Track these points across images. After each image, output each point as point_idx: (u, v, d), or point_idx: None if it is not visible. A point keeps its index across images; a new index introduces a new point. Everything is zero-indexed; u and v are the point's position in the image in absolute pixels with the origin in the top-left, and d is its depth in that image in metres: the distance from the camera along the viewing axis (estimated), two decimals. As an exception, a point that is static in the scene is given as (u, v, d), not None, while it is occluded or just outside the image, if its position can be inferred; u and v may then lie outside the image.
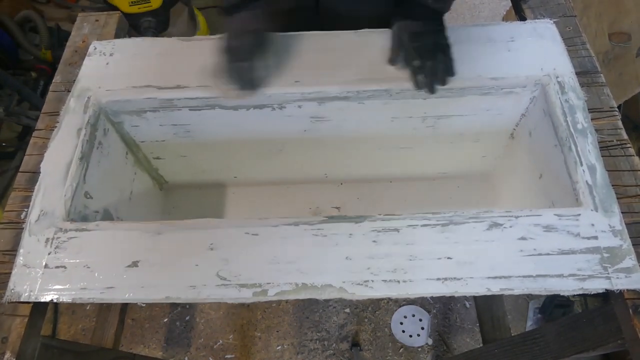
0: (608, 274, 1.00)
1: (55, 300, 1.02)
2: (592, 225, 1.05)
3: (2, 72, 2.59)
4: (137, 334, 2.34)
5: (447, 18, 1.21)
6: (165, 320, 2.38)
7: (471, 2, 3.26)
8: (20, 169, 1.24)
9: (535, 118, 1.32)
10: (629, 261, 1.01)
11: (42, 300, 1.03)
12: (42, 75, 2.91)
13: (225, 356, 2.28)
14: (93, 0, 3.14)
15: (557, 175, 1.20)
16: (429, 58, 1.16)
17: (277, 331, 2.32)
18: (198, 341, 2.33)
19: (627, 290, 0.99)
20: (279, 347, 2.28)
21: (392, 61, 1.25)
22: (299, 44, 1.34)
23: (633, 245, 1.04)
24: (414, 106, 1.33)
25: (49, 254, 1.07)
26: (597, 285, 0.99)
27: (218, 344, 2.31)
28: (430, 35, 1.18)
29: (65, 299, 1.02)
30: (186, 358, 2.29)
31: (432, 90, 1.17)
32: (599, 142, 1.17)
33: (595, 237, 1.03)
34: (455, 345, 2.28)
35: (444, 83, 1.16)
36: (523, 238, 1.04)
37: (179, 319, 2.38)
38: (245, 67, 1.17)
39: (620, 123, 1.22)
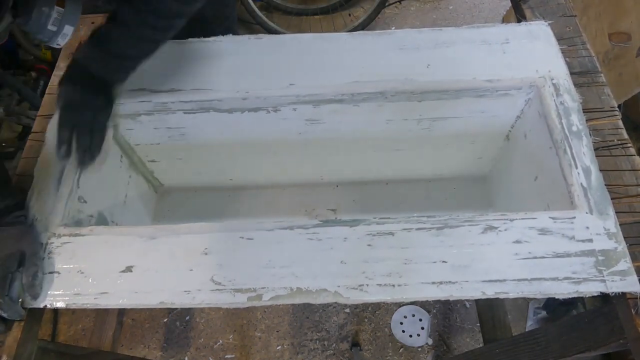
0: (603, 277, 0.99)
1: (49, 306, 1.03)
2: (587, 228, 1.04)
3: (2, 72, 2.59)
4: (137, 334, 2.34)
5: (448, 18, 1.20)
6: (165, 320, 2.37)
7: (471, 2, 3.26)
8: (17, 172, 1.24)
9: (531, 120, 1.32)
10: (624, 264, 1.01)
11: (36, 306, 1.03)
12: (42, 75, 2.90)
13: (225, 356, 2.28)
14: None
15: (552, 177, 1.20)
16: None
17: (277, 331, 2.32)
18: (198, 341, 2.32)
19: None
20: (279, 347, 2.28)
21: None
22: (293, 46, 1.34)
23: (634, 245, 1.04)
24: (409, 108, 1.33)
25: (42, 259, 1.07)
26: (592, 289, 0.99)
27: (218, 344, 2.31)
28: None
29: (59, 304, 1.03)
30: (186, 358, 2.28)
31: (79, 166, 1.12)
32: (599, 142, 1.17)
33: (590, 240, 1.03)
34: (455, 345, 2.27)
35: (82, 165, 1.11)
36: (518, 241, 1.04)
37: (178, 319, 2.38)
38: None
39: (620, 123, 1.22)
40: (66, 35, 1.08)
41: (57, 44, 1.09)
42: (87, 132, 1.09)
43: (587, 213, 1.06)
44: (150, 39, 1.11)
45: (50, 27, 1.03)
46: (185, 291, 1.02)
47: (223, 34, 1.37)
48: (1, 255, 1.03)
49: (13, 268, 1.02)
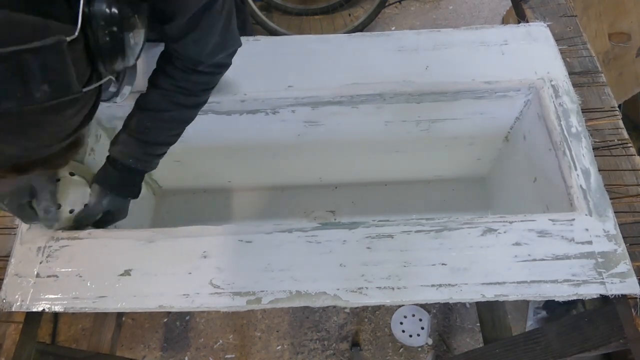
0: (603, 279, 0.99)
1: (47, 310, 1.02)
2: (587, 230, 1.04)
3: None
4: (137, 333, 2.34)
5: (448, 18, 1.20)
6: (165, 320, 2.37)
7: (471, 2, 3.25)
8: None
9: (530, 122, 1.31)
10: (624, 266, 1.00)
11: (34, 309, 1.03)
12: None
13: (225, 356, 2.28)
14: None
15: (551, 179, 1.20)
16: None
17: (277, 331, 2.32)
18: (198, 341, 2.32)
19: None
20: (279, 347, 2.28)
21: None
22: (291, 47, 1.33)
23: (634, 244, 1.04)
24: (407, 110, 1.33)
25: (40, 262, 1.07)
26: (591, 291, 0.99)
27: (218, 344, 2.31)
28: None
29: (57, 308, 1.02)
30: (186, 358, 2.28)
31: None
32: (599, 142, 1.16)
33: (590, 242, 1.03)
34: (455, 345, 2.27)
35: None
36: (517, 243, 1.03)
37: (179, 318, 2.38)
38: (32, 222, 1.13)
39: (621, 122, 1.22)
40: (124, 94, 1.11)
41: (115, 102, 1.13)
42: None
43: (586, 215, 1.06)
44: (186, 118, 1.17)
45: (111, 89, 1.06)
46: (184, 295, 1.02)
47: (240, 29, 1.37)
48: (12, 188, 1.06)
49: (25, 199, 1.07)
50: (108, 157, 1.14)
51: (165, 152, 1.18)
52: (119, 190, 1.13)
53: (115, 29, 0.81)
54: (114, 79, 0.93)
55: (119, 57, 0.84)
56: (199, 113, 1.29)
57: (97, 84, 0.80)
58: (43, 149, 0.74)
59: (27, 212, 1.07)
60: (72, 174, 1.18)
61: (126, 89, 1.10)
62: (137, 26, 0.86)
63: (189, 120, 1.18)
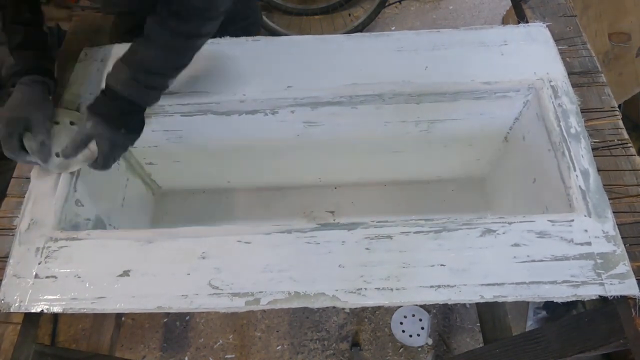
0: (602, 280, 0.99)
1: (45, 311, 1.02)
2: (586, 231, 1.04)
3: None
4: (137, 333, 2.34)
5: (448, 18, 1.20)
6: (165, 320, 2.38)
7: (471, 2, 3.25)
8: (14, 175, 1.23)
9: (529, 122, 1.31)
10: (623, 267, 1.00)
11: (33, 310, 1.03)
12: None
13: (225, 356, 2.28)
14: (93, 0, 3.13)
15: (550, 180, 1.19)
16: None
17: (277, 331, 2.32)
18: (198, 341, 2.32)
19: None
20: (279, 347, 2.28)
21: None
22: (291, 48, 1.33)
23: (634, 244, 1.04)
24: (407, 111, 1.32)
25: (39, 263, 1.07)
26: (590, 292, 0.98)
27: (218, 344, 2.31)
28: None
29: (56, 309, 1.02)
30: (186, 358, 2.29)
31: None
32: (599, 142, 1.17)
33: (589, 243, 1.03)
34: (455, 345, 2.27)
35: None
36: (516, 244, 1.03)
37: (178, 318, 2.38)
38: (16, 157, 1.12)
39: (621, 123, 1.22)
40: None
41: None
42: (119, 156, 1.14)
43: (585, 216, 1.06)
44: (178, 47, 1.11)
45: None
46: (183, 295, 1.01)
47: (250, 28, 1.37)
48: (6, 115, 1.08)
49: (18, 130, 1.08)
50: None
51: (158, 88, 1.13)
52: (106, 116, 1.08)
53: None
54: None
55: None
56: (198, 113, 1.29)
57: None
58: None
59: (14, 142, 1.08)
60: (72, 123, 1.20)
61: None
62: None
63: (182, 52, 1.12)
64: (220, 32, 1.21)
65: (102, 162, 1.11)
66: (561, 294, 0.98)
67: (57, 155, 1.14)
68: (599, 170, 1.12)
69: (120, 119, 1.09)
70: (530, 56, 1.29)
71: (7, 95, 1.13)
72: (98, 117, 1.06)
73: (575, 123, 1.18)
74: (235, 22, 1.39)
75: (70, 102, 1.28)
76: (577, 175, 1.11)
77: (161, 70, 1.10)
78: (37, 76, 1.16)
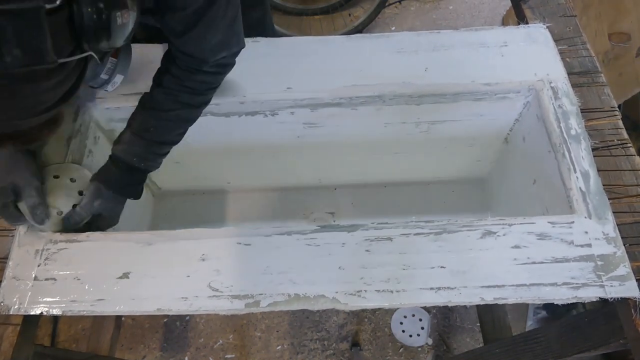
0: (602, 282, 0.99)
1: (45, 313, 1.02)
2: (586, 232, 1.04)
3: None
4: (137, 333, 2.34)
5: (448, 18, 1.20)
6: (165, 320, 2.37)
7: (471, 2, 3.24)
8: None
9: (529, 123, 1.31)
10: (623, 269, 1.00)
11: (32, 313, 1.02)
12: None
13: (225, 356, 2.28)
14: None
15: (550, 181, 1.19)
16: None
17: (277, 331, 2.32)
18: (198, 341, 2.32)
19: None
20: (279, 347, 2.28)
21: None
22: (291, 49, 1.33)
23: (634, 244, 1.03)
24: (407, 112, 1.32)
25: (38, 265, 1.07)
26: (590, 294, 0.98)
27: (218, 344, 2.31)
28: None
29: (55, 311, 1.02)
30: (186, 358, 2.28)
31: None
32: (599, 142, 1.16)
33: (589, 245, 1.03)
34: (455, 345, 2.27)
35: None
36: (517, 246, 1.03)
37: (178, 319, 2.38)
38: (21, 224, 1.10)
39: (620, 123, 1.21)
40: (116, 83, 1.12)
41: (106, 90, 1.14)
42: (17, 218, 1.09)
43: (585, 218, 1.06)
44: (191, 117, 1.17)
45: (102, 75, 1.07)
46: (183, 298, 1.01)
47: (261, 19, 1.37)
48: None
49: (9, 198, 1.04)
50: (110, 156, 1.13)
51: (169, 152, 1.18)
52: (120, 189, 1.12)
53: (101, 5, 0.79)
54: (97, 59, 0.89)
55: (104, 36, 0.82)
56: (198, 114, 1.29)
57: (75, 58, 0.79)
58: (17, 121, 0.72)
59: (11, 211, 1.05)
60: (72, 180, 1.16)
61: (118, 78, 1.10)
62: (127, 6, 0.84)
63: (193, 119, 1.18)
64: None
65: (105, 229, 1.15)
66: (561, 296, 0.98)
67: (59, 214, 1.10)
68: (598, 170, 1.12)
69: (130, 189, 1.15)
70: (531, 57, 1.28)
71: None
72: (113, 190, 1.10)
73: (575, 124, 1.18)
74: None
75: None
76: (577, 177, 1.11)
77: (175, 139, 1.16)
78: None
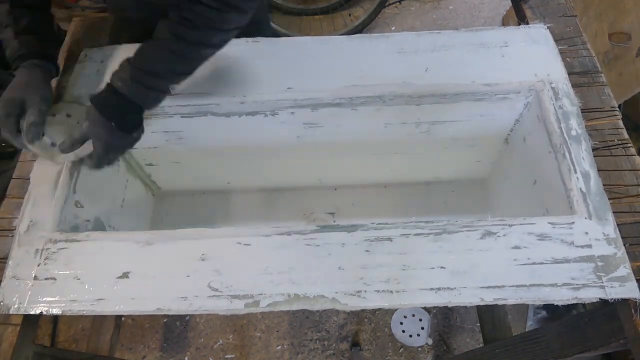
0: (602, 282, 0.99)
1: (44, 313, 1.02)
2: (586, 233, 1.04)
3: (2, 72, 2.58)
4: (137, 333, 2.34)
5: (448, 18, 1.19)
6: (165, 320, 2.38)
7: (471, 2, 3.24)
8: (14, 176, 1.23)
9: (529, 124, 1.31)
10: (623, 270, 1.00)
11: (32, 312, 1.03)
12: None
13: (225, 356, 2.28)
14: (93, 0, 3.12)
15: (551, 182, 1.19)
16: None
17: (277, 331, 2.32)
18: (198, 341, 2.32)
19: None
20: (279, 347, 2.28)
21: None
22: (291, 49, 1.33)
23: (634, 244, 1.03)
24: (407, 112, 1.32)
25: (38, 265, 1.07)
26: (591, 295, 0.98)
27: (218, 344, 2.31)
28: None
29: (55, 311, 1.02)
30: (186, 358, 2.29)
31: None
32: (599, 142, 1.16)
33: (590, 246, 1.02)
34: (455, 345, 2.27)
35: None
36: (517, 247, 1.03)
37: (179, 318, 2.38)
38: (14, 139, 1.13)
39: (621, 123, 1.21)
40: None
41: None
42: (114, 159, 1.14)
43: (586, 218, 1.05)
44: (184, 54, 1.10)
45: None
46: (182, 297, 1.01)
47: (259, 21, 1.37)
48: (4, 97, 1.11)
49: (15, 111, 1.11)
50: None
51: (157, 91, 1.11)
52: (104, 108, 1.07)
53: None
54: None
55: None
56: (198, 114, 1.29)
57: None
58: None
59: (10, 124, 1.10)
60: (68, 115, 1.21)
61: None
62: None
63: (187, 59, 1.11)
64: None
65: (95, 162, 1.10)
66: (561, 296, 0.98)
67: (53, 145, 1.14)
68: (599, 170, 1.12)
69: (117, 115, 1.08)
70: (531, 58, 1.28)
71: (12, 77, 1.16)
72: (96, 111, 1.06)
73: (575, 125, 1.17)
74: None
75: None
76: (577, 178, 1.10)
77: (163, 73, 1.09)
78: (38, 60, 1.19)
